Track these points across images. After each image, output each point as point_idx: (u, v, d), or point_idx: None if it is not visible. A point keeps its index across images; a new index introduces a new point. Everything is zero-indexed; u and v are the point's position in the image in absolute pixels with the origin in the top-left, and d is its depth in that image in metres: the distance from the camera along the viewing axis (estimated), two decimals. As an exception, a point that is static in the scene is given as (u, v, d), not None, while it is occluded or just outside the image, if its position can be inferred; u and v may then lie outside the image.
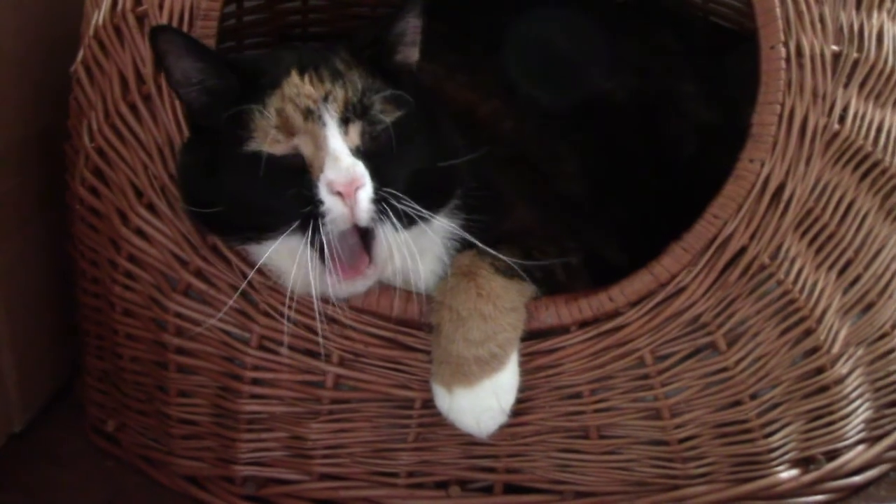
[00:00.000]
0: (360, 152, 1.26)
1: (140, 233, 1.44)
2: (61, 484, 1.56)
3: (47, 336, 1.68)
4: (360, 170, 1.25)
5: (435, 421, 1.40)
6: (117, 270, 1.48)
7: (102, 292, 1.52)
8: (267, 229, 1.28)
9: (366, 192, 1.25)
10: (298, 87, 1.28)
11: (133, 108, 1.42)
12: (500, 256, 1.33)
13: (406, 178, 1.28)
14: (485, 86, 1.56)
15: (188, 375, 1.47)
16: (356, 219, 1.25)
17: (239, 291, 1.37)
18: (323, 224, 1.25)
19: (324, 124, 1.26)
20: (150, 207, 1.42)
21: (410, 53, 1.34)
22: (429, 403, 1.38)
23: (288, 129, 1.26)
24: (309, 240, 1.26)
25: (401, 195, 1.26)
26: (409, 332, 1.39)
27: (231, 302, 1.39)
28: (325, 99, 1.26)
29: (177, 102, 1.39)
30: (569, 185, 1.57)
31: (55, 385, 1.72)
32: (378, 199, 1.25)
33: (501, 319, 1.34)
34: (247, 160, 1.26)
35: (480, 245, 1.33)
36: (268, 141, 1.26)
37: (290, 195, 1.26)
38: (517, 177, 1.49)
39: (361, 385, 1.42)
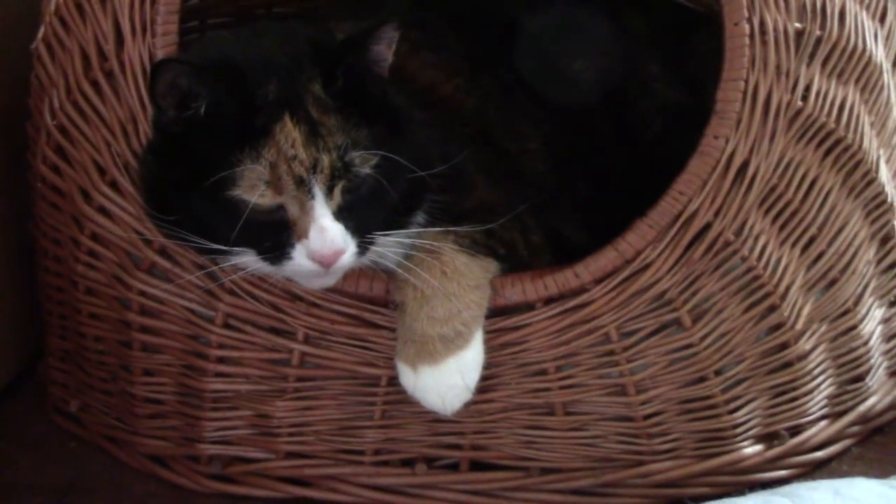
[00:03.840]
0: (341, 210, 1.26)
1: (103, 211, 1.43)
2: (24, 465, 1.55)
3: (8, 317, 1.67)
4: (343, 239, 1.25)
5: (400, 398, 1.40)
6: (80, 249, 1.46)
7: (65, 271, 1.51)
8: (229, 254, 1.28)
9: (347, 257, 1.26)
10: (294, 144, 1.24)
11: (95, 84, 1.41)
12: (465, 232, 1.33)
13: (383, 215, 1.29)
14: (448, 64, 1.56)
15: (153, 354, 1.46)
16: (328, 273, 1.27)
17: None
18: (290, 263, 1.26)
19: (312, 196, 1.24)
20: (114, 185, 1.41)
21: (385, 66, 1.32)
22: (394, 381, 1.38)
23: (277, 189, 1.24)
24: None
25: (377, 235, 1.28)
26: (375, 309, 1.38)
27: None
28: (314, 169, 1.24)
29: (140, 79, 1.38)
30: (532, 164, 1.56)
31: (17, 366, 1.70)
32: (357, 251, 1.27)
33: (466, 297, 1.34)
34: (226, 199, 1.24)
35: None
36: (255, 194, 1.24)
37: (265, 243, 1.26)
38: (479, 155, 1.48)
39: (327, 363, 1.41)
